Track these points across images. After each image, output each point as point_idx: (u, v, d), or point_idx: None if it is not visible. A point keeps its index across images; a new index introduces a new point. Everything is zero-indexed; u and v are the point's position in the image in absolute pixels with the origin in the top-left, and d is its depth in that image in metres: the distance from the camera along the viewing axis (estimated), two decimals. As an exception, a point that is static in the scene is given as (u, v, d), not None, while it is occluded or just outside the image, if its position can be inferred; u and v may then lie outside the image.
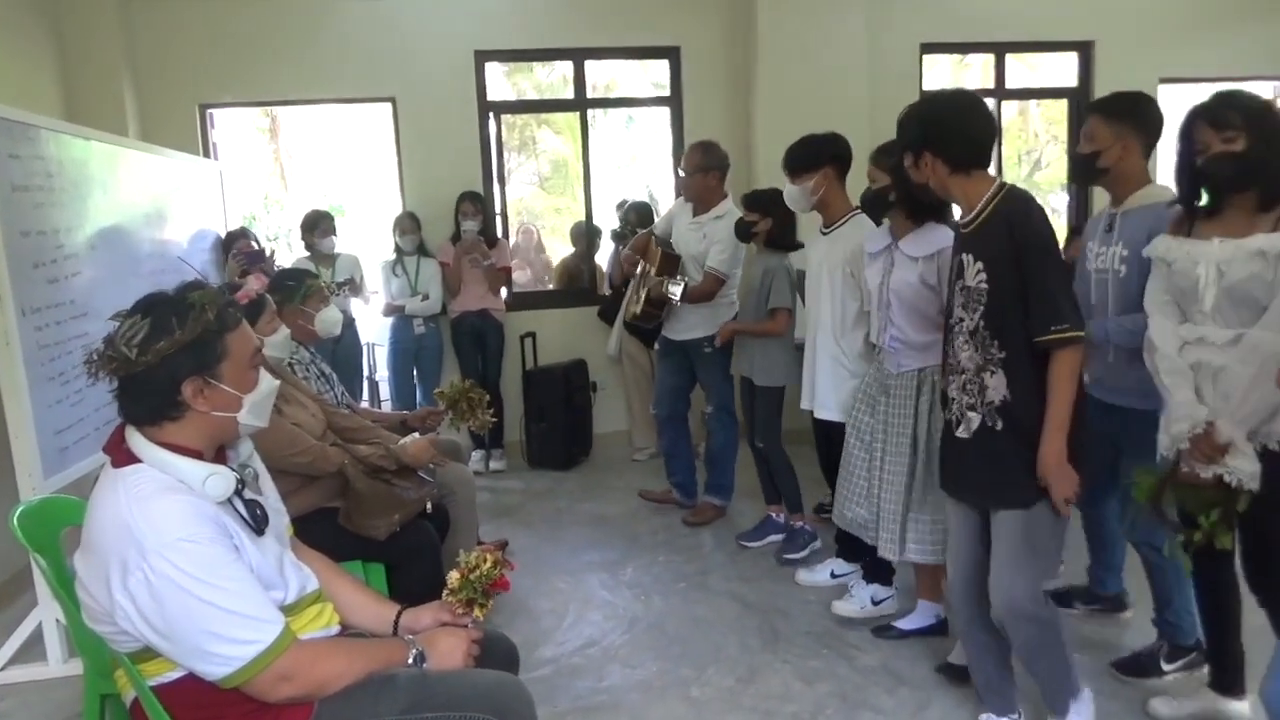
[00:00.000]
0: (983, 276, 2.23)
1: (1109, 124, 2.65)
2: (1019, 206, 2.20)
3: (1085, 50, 6.33)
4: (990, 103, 6.30)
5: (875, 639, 3.18)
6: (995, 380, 2.24)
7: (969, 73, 8.44)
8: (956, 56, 6.43)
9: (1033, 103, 6.50)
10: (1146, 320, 2.39)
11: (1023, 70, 7.13)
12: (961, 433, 2.34)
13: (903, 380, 2.99)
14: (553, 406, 5.59)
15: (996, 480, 2.29)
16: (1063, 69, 6.51)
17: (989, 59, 6.42)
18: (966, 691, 2.76)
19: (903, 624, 3.20)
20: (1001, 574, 2.30)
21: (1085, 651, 2.94)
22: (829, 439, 3.64)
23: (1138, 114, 2.67)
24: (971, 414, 2.31)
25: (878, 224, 3.23)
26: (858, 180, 3.56)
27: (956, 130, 2.23)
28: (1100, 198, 6.00)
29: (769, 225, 3.89)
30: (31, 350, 3.07)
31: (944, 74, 6.21)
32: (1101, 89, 6.28)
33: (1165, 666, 2.79)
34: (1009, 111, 6.63)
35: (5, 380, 2.99)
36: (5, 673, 3.16)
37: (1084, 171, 2.74)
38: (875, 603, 3.35)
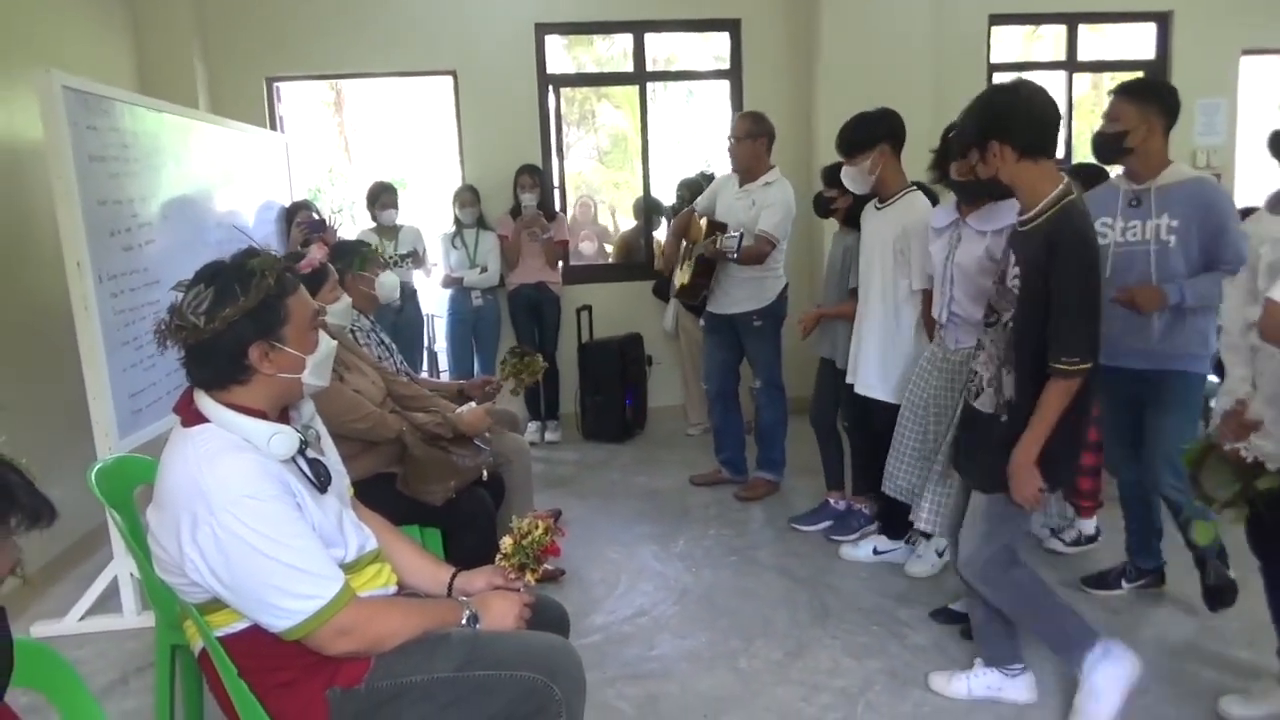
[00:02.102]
0: (1018, 281, 2.27)
1: (1135, 104, 2.80)
2: (1067, 225, 2.19)
3: (1163, 21, 6.09)
4: (1061, 75, 6.14)
5: (927, 619, 3.16)
6: (1009, 380, 2.33)
7: (1040, 44, 8.18)
8: (1027, 28, 6.21)
9: (1106, 76, 6.25)
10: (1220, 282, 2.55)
11: (1097, 41, 6.89)
12: (979, 404, 2.46)
13: (960, 356, 2.98)
14: (608, 380, 5.63)
15: (983, 462, 2.42)
16: (1139, 40, 6.28)
17: (1061, 30, 6.22)
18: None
19: (958, 606, 3.15)
20: (965, 540, 2.50)
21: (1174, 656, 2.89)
22: (866, 418, 3.60)
23: (1162, 97, 2.83)
24: (990, 390, 2.42)
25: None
26: (913, 158, 3.46)
27: (1023, 114, 2.23)
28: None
29: (849, 202, 3.80)
30: (108, 316, 3.20)
31: (1014, 46, 6.02)
32: (1180, 61, 6.05)
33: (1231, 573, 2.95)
34: (1081, 85, 6.39)
35: (84, 344, 3.12)
36: (83, 623, 3.31)
37: (1110, 150, 2.87)
38: (939, 554, 3.49)
